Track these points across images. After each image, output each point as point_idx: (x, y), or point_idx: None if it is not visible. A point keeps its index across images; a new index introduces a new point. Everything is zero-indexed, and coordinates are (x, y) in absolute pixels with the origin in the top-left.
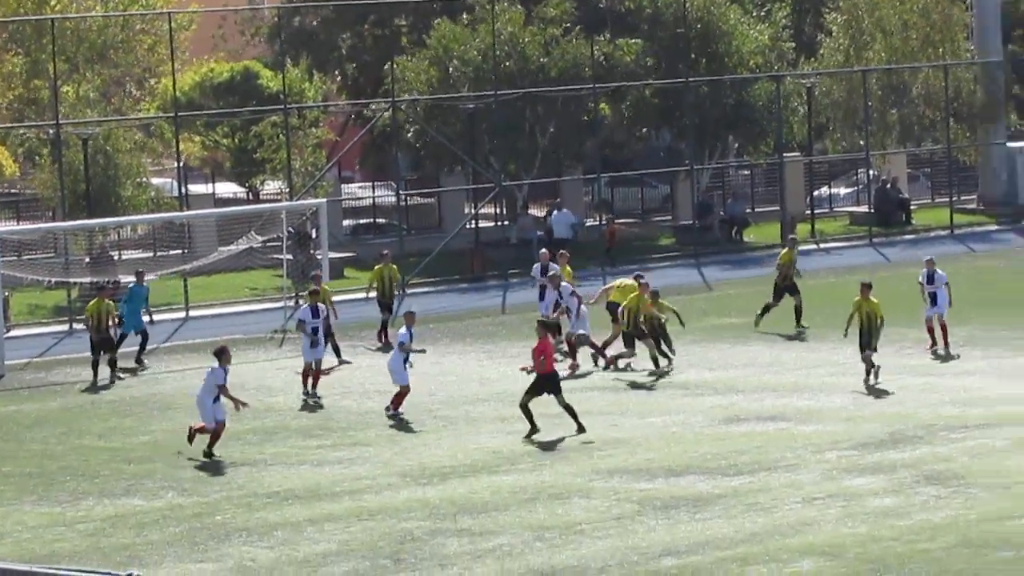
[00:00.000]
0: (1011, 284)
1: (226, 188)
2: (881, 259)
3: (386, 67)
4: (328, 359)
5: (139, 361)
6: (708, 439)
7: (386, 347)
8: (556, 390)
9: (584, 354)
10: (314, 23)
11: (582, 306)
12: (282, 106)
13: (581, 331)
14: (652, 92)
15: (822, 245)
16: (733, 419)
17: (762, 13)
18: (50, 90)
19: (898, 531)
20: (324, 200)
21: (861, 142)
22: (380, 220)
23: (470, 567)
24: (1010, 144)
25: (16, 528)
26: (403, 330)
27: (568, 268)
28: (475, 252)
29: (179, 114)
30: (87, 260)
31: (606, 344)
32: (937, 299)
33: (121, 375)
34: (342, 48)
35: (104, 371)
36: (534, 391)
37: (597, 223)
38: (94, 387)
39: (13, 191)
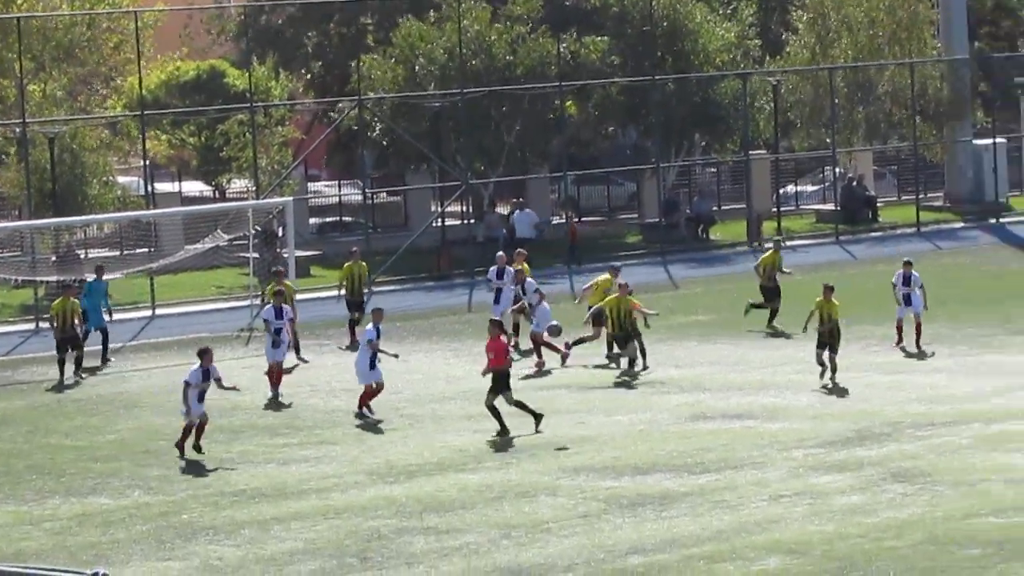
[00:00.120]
0: (977, 281)
1: (192, 186)
2: (848, 257)
3: (352, 65)
4: (288, 357)
5: (105, 360)
6: (675, 437)
7: (353, 345)
8: (504, 388)
9: (551, 356)
10: (280, 21)
11: (544, 303)
12: (248, 104)
13: (554, 322)
14: (618, 90)
15: (788, 243)
16: (700, 417)
17: (728, 11)
18: (16, 89)
19: (865, 528)
20: (290, 198)
21: (827, 140)
22: (347, 218)
23: (436, 565)
24: (976, 141)
25: None
26: (370, 327)
27: (526, 266)
28: (441, 250)
29: (145, 112)
30: (54, 259)
31: (578, 342)
32: (912, 300)
33: (82, 375)
34: (308, 46)
35: (70, 369)
36: (495, 389)
37: (564, 221)
38: (60, 386)
39: None
